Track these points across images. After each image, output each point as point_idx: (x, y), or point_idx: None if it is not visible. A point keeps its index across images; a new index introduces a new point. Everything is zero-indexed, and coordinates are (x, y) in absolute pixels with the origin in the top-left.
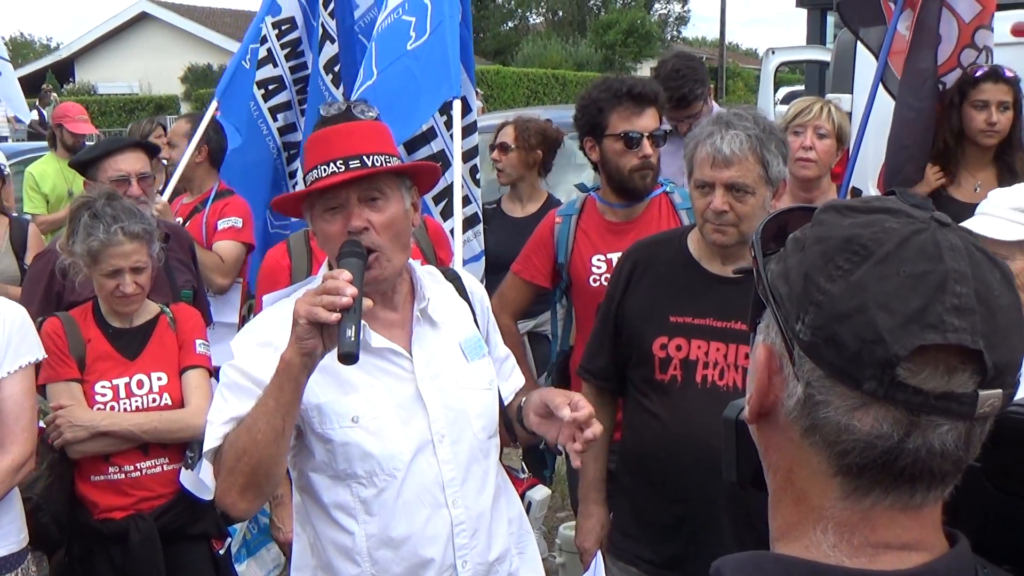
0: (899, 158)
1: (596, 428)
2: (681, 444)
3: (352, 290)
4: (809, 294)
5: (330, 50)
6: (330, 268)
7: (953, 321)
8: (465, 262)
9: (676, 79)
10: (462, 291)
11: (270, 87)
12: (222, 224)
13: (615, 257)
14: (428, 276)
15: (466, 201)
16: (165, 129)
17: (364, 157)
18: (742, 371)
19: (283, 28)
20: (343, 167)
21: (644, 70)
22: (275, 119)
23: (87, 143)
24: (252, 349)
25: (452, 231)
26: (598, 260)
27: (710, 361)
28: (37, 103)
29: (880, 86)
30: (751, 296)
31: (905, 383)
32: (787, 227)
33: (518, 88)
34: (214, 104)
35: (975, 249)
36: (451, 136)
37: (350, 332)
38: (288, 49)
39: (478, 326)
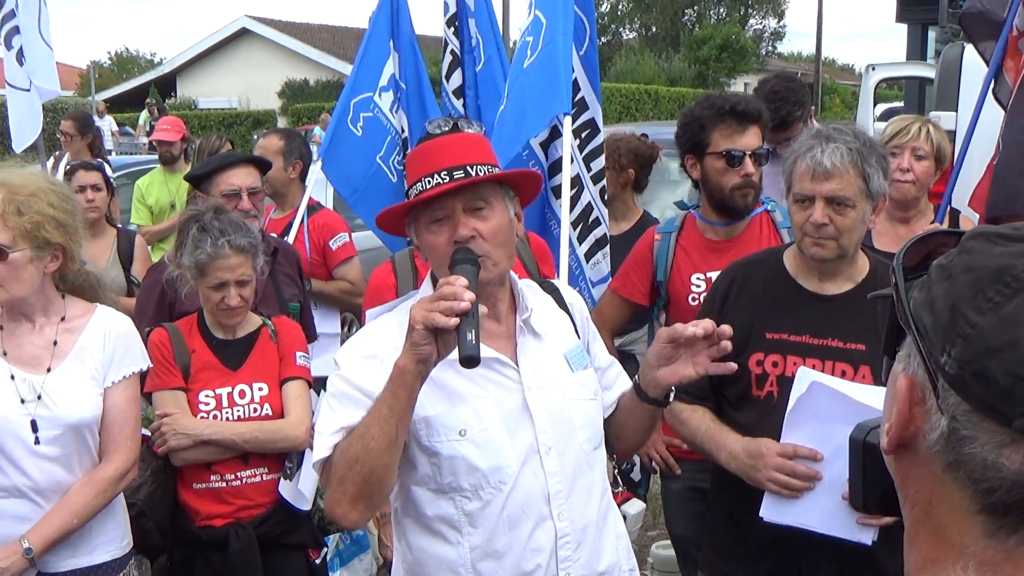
0: (1014, 184)
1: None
2: None
3: (470, 295)
4: (956, 326)
5: (458, 79)
6: (434, 280)
7: None
8: (594, 283)
9: (775, 100)
10: (561, 302)
11: None
12: (334, 243)
13: (715, 276)
14: (528, 288)
15: (596, 223)
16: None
17: (468, 167)
18: None
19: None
20: (447, 177)
21: (738, 85)
22: None
23: (186, 155)
24: (358, 361)
25: (584, 253)
26: (697, 279)
27: None
28: (148, 115)
29: (987, 101)
30: (850, 315)
31: None
32: (931, 253)
33: (610, 104)
34: (319, 163)
35: None
36: (581, 159)
37: (471, 335)
38: None
39: (579, 336)
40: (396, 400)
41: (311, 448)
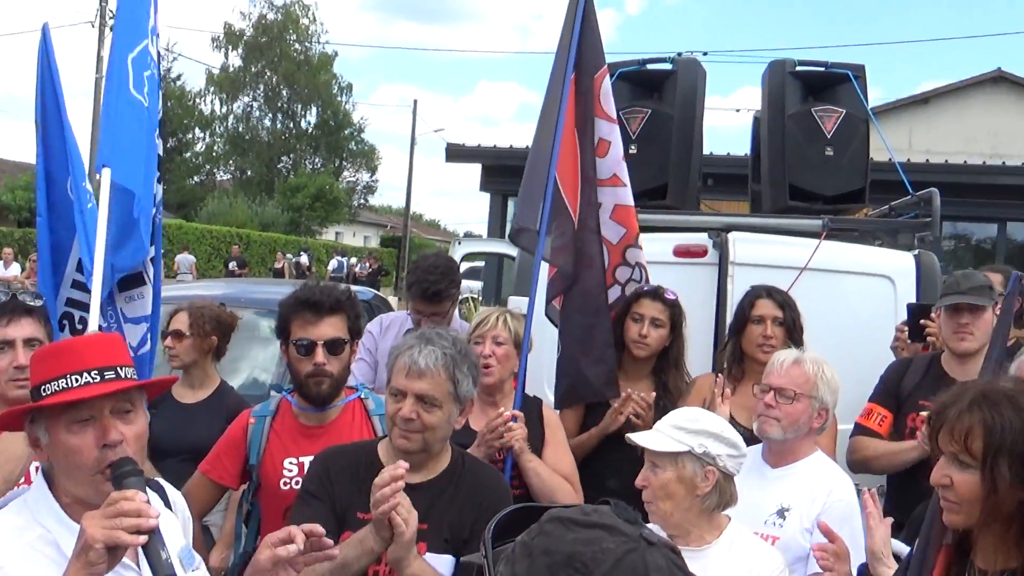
0: (590, 372)
1: None
2: None
3: (156, 511)
4: None
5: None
6: (47, 478)
7: None
8: (127, 319)
9: (434, 273)
10: (167, 502)
11: None
12: None
13: (307, 460)
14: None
15: None
16: None
17: (118, 368)
18: None
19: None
20: (98, 377)
21: (329, 234)
22: None
23: None
24: None
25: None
26: (290, 463)
27: None
28: None
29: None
30: (433, 499)
31: None
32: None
33: (200, 244)
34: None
35: (676, 568)
36: None
37: (164, 553)
38: None
39: (184, 536)
40: None
41: None
